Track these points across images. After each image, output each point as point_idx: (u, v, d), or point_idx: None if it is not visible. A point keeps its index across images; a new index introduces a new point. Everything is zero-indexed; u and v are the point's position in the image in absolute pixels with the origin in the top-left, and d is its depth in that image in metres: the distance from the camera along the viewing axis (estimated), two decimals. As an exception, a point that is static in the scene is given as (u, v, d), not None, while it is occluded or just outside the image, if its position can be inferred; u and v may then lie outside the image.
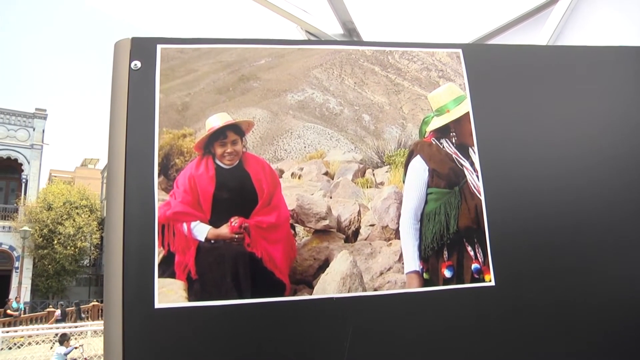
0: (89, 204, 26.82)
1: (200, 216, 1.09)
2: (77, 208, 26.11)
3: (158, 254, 1.06)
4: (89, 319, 19.62)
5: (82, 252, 25.89)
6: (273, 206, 1.12)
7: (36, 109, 27.82)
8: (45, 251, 24.78)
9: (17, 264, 24.99)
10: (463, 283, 1.16)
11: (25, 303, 22.28)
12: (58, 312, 18.36)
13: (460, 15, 3.35)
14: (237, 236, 1.09)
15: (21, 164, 27.10)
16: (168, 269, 1.06)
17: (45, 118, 28.05)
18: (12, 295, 22.58)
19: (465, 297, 1.16)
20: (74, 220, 25.40)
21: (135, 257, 1.06)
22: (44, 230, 24.79)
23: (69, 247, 24.84)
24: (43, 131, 27.89)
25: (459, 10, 3.35)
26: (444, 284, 1.15)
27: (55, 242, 24.67)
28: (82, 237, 25.63)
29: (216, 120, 1.15)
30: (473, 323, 1.16)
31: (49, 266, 24.90)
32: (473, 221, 1.20)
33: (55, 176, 32.20)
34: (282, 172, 1.16)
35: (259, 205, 1.12)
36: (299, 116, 1.21)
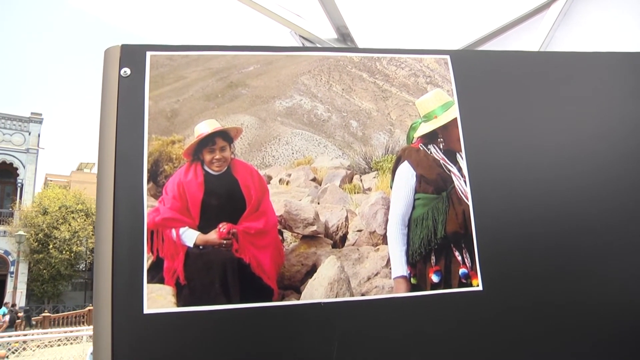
0: (84, 208, 26.75)
1: (189, 222, 1.10)
2: (72, 212, 26.06)
3: (147, 260, 1.07)
4: (85, 323, 19.42)
5: (77, 257, 25.82)
6: (261, 212, 1.13)
7: (32, 113, 27.81)
8: (40, 256, 24.70)
9: (12, 268, 24.91)
10: (451, 288, 1.17)
11: (20, 308, 22.13)
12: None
13: (453, 20, 3.37)
14: (225, 242, 1.10)
15: (16, 168, 27.06)
16: (157, 275, 1.06)
17: (40, 122, 28.04)
18: (7, 299, 22.46)
19: (453, 302, 1.17)
20: (69, 225, 25.35)
21: (124, 262, 1.07)
22: (40, 235, 24.73)
23: (64, 252, 24.78)
24: (39, 135, 27.88)
25: (453, 15, 3.37)
26: (431, 289, 1.16)
27: (51, 246, 24.61)
28: (78, 242, 25.57)
29: (205, 127, 1.16)
30: (461, 328, 1.16)
31: (45, 271, 24.82)
32: (461, 226, 1.21)
33: (51, 180, 32.10)
34: (270, 178, 1.17)
35: (247, 211, 1.12)
36: (287, 123, 1.22)
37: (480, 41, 3.22)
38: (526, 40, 3.04)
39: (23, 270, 24.97)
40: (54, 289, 25.47)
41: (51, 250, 24.59)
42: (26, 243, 24.41)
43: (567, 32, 2.91)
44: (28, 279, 25.15)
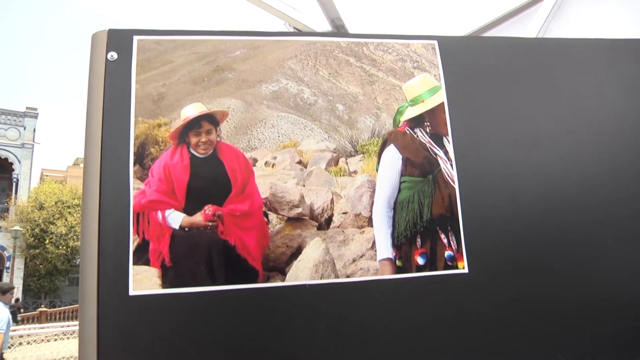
0: (81, 203, 26.64)
1: (175, 204, 1.11)
2: (69, 207, 25.97)
3: (133, 242, 1.07)
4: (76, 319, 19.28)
5: (74, 252, 25.73)
6: (246, 194, 1.14)
7: (27, 108, 27.69)
8: (36, 251, 24.65)
9: (8, 264, 24.87)
10: (436, 270, 1.18)
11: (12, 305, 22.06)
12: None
13: (447, 13, 3.37)
14: (210, 224, 1.10)
15: (12, 163, 26.97)
16: (143, 257, 1.07)
17: (36, 117, 27.92)
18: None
19: (438, 284, 1.18)
20: (66, 220, 25.27)
21: (110, 244, 1.07)
22: (36, 230, 24.66)
23: (61, 247, 24.72)
24: (34, 130, 27.77)
25: (446, 8, 3.37)
26: (416, 271, 1.17)
27: (47, 241, 24.55)
28: (75, 237, 25.48)
29: (191, 110, 1.16)
30: (446, 310, 1.17)
31: (41, 266, 24.78)
32: (447, 209, 1.21)
33: (47, 175, 31.99)
34: (255, 160, 1.17)
35: (233, 193, 1.13)
36: (273, 106, 1.22)
37: (473, 34, 3.22)
38: (520, 33, 3.04)
39: (19, 266, 24.95)
40: (51, 284, 25.44)
41: (47, 246, 24.54)
42: (22, 238, 24.36)
43: (561, 25, 2.91)
44: (24, 274, 25.12)
